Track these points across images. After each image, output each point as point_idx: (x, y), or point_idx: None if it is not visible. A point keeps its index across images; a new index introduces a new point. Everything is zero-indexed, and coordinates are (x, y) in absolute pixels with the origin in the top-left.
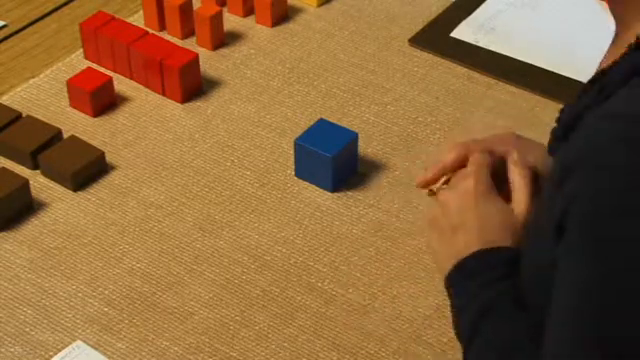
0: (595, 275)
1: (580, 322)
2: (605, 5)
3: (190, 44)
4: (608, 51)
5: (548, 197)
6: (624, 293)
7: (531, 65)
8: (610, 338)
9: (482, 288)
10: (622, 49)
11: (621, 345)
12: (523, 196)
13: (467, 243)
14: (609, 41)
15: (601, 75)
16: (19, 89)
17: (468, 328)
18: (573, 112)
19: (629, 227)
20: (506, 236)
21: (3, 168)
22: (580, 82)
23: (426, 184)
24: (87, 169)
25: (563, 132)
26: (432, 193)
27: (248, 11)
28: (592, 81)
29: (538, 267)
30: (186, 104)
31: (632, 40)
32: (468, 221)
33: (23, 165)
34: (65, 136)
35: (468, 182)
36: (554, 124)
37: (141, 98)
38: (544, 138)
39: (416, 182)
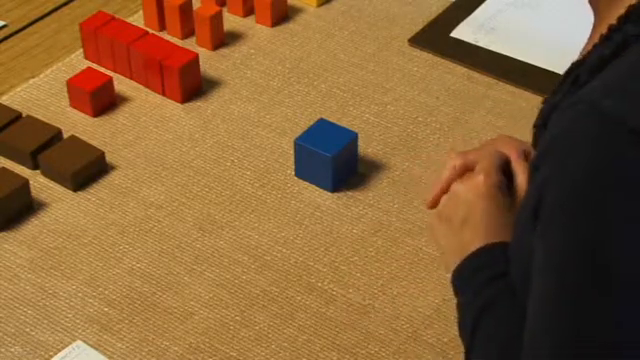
0: (567, 254)
1: (555, 310)
2: None
3: (190, 44)
4: (587, 42)
5: (527, 191)
6: (597, 270)
7: (531, 65)
8: (585, 319)
9: (485, 285)
10: (597, 40)
11: (595, 326)
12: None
13: (473, 238)
14: None
15: (575, 66)
16: (19, 89)
17: (470, 324)
18: (550, 104)
19: (596, 209)
20: (504, 231)
21: (3, 168)
22: None
23: (435, 203)
24: (87, 169)
25: (542, 123)
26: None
27: (248, 11)
28: (568, 73)
29: (522, 258)
30: (186, 104)
31: (605, 31)
32: (475, 215)
33: (23, 165)
34: (65, 136)
35: (479, 177)
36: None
37: (141, 98)
38: None
39: (427, 206)
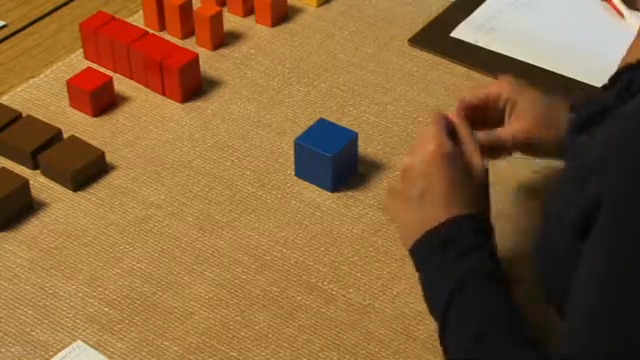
0: (618, 270)
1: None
2: (607, 4)
3: (190, 44)
4: (633, 45)
5: (567, 192)
6: None
7: (531, 65)
8: (627, 325)
9: (453, 264)
10: None
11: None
12: (476, 152)
13: (434, 211)
14: (609, 41)
15: (625, 71)
16: (19, 89)
17: (441, 308)
18: (596, 106)
19: None
20: (472, 201)
21: (3, 168)
22: (580, 82)
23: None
24: (87, 169)
25: (583, 124)
26: None
27: (248, 11)
28: (616, 77)
29: (553, 253)
30: (186, 104)
31: None
32: (434, 186)
33: (23, 165)
34: (65, 136)
35: (429, 146)
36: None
37: (141, 98)
38: None
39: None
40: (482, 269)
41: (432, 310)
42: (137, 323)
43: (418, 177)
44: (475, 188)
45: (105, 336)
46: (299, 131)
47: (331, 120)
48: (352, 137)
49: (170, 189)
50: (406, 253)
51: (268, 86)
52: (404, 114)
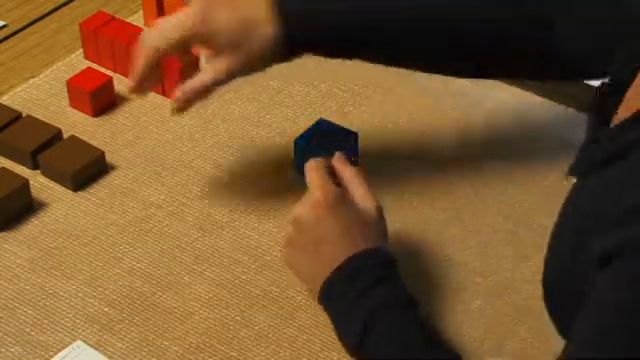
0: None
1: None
2: None
3: None
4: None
5: (584, 227)
6: None
7: None
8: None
9: (360, 299)
10: None
11: None
12: (365, 191)
13: (333, 254)
14: None
15: None
16: (19, 89)
17: (357, 341)
18: (621, 140)
19: None
20: (368, 237)
21: (3, 168)
22: (580, 83)
23: (135, 89)
24: (87, 169)
25: (607, 157)
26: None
27: None
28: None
29: (562, 275)
30: None
31: None
32: (327, 233)
33: (23, 165)
34: (65, 136)
35: (314, 195)
36: (554, 126)
37: (141, 98)
38: (544, 138)
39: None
40: (390, 299)
41: (349, 350)
42: (137, 323)
43: (309, 227)
44: (369, 226)
45: (105, 336)
46: (299, 131)
47: (331, 120)
48: (352, 137)
49: (170, 189)
50: (406, 253)
51: (268, 86)
52: (404, 114)
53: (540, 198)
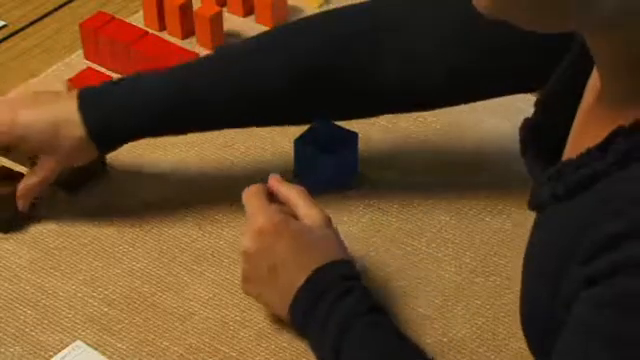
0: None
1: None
2: None
3: (190, 44)
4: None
5: (555, 266)
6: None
7: None
8: None
9: (331, 312)
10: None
11: None
12: (309, 205)
13: (290, 277)
14: None
15: (616, 136)
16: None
17: (333, 353)
18: (582, 173)
19: None
20: (320, 253)
21: (3, 167)
22: None
23: None
24: (87, 169)
25: (568, 191)
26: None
27: (248, 11)
28: (607, 143)
29: (536, 303)
30: None
31: None
32: (279, 256)
33: (23, 165)
34: None
35: (257, 221)
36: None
37: None
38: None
39: None
40: (359, 309)
41: None
42: (137, 323)
43: (259, 256)
44: (322, 239)
45: (105, 336)
46: (299, 131)
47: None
48: (352, 137)
49: (170, 189)
50: (406, 253)
51: None
52: (404, 114)
53: None
